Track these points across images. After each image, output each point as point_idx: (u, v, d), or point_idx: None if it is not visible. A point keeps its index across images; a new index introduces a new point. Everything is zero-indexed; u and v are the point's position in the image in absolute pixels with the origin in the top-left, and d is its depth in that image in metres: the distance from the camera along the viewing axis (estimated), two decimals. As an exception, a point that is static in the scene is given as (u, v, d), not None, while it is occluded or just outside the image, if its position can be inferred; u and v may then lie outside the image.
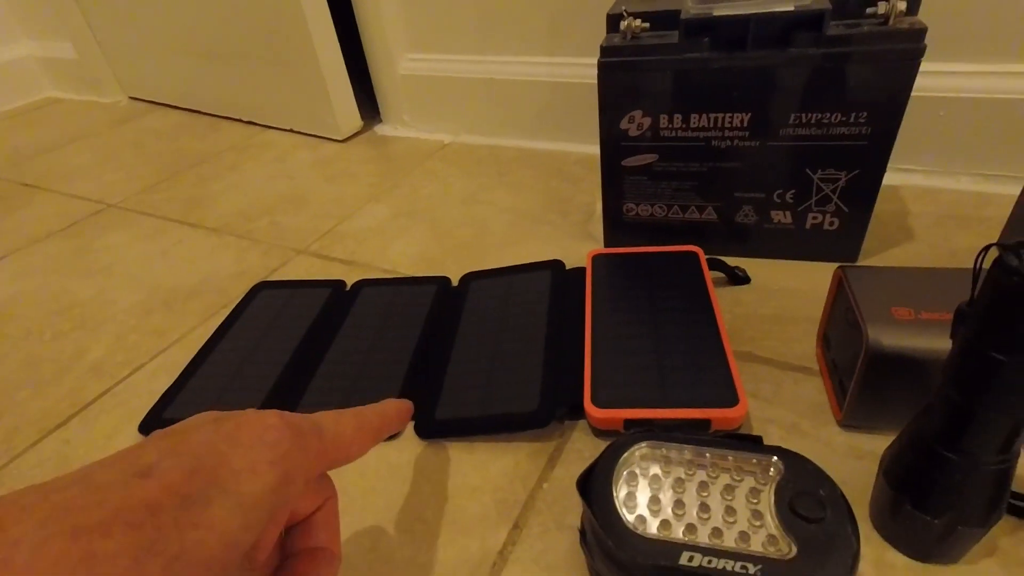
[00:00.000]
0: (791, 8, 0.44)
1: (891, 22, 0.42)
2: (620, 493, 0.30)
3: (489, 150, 0.87)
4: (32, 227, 0.81)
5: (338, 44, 0.89)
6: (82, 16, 1.19)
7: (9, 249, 0.76)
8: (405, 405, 0.32)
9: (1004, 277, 0.23)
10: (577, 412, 0.42)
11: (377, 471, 0.41)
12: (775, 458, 0.31)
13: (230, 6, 0.92)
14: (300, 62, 0.90)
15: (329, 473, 0.27)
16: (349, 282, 0.60)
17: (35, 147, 1.09)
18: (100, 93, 1.29)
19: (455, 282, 0.58)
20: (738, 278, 0.54)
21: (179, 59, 1.09)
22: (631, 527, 0.29)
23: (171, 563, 0.17)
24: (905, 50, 0.42)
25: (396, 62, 0.91)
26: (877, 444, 0.39)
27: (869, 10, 0.43)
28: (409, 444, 0.43)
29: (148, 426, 0.47)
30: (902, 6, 0.42)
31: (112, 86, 1.28)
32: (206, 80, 1.08)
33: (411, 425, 0.44)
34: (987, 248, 0.26)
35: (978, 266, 0.26)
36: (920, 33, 0.42)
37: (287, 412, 0.23)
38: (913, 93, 0.44)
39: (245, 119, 1.08)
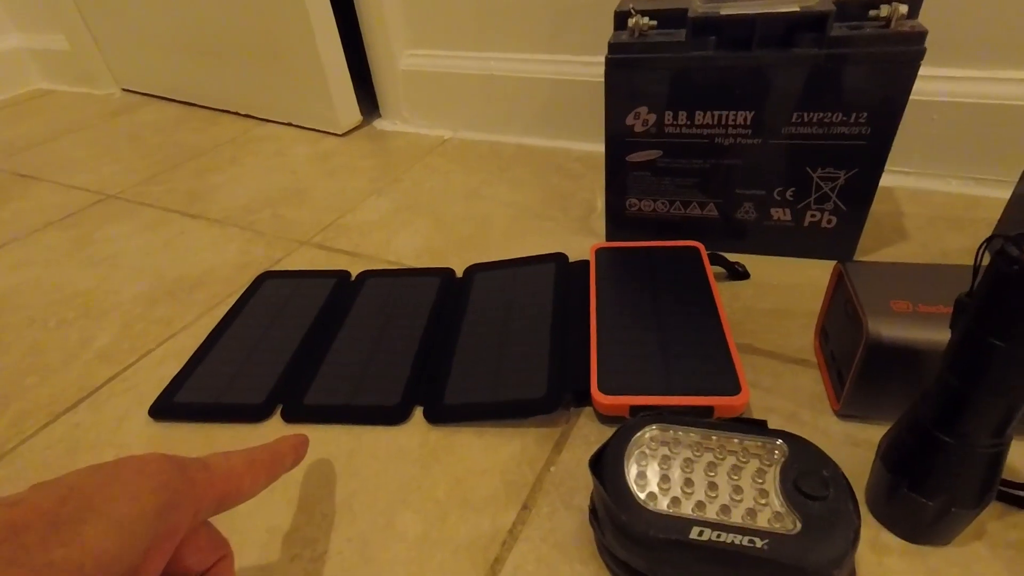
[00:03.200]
0: (796, 9, 0.45)
1: (893, 25, 0.44)
2: (631, 472, 0.31)
3: (489, 146, 0.87)
4: (30, 217, 0.80)
5: (339, 38, 0.90)
6: (76, 8, 1.18)
7: (8, 239, 0.76)
8: (299, 439, 0.33)
9: (1005, 266, 0.25)
10: (583, 399, 0.43)
11: (388, 453, 0.42)
12: (780, 441, 0.32)
13: (232, 1, 0.92)
14: (301, 56, 0.90)
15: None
16: (354, 273, 0.61)
17: (28, 139, 1.08)
18: (93, 85, 1.28)
19: (459, 274, 0.59)
20: (738, 273, 0.55)
21: (175, 52, 1.09)
22: (643, 503, 0.30)
23: (33, 574, 0.18)
24: (906, 52, 0.44)
25: (396, 58, 0.91)
26: (872, 433, 0.40)
27: (871, 12, 0.45)
28: (419, 428, 0.44)
29: (159, 410, 0.47)
30: (904, 9, 0.43)
31: (105, 78, 1.27)
32: (203, 73, 1.08)
33: (420, 410, 0.45)
34: (989, 240, 0.27)
35: (979, 259, 0.27)
36: (921, 36, 0.43)
37: (171, 454, 0.25)
38: (911, 96, 0.46)
39: (242, 112, 1.08)
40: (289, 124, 1.02)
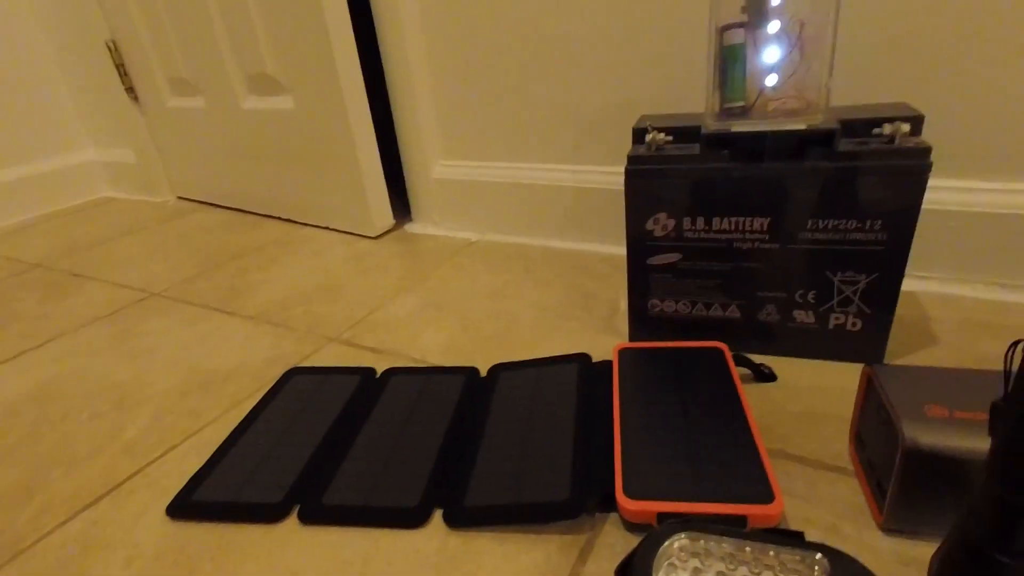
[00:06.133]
0: (803, 127, 0.48)
1: (897, 141, 0.46)
2: (660, 586, 0.29)
3: (515, 248, 0.91)
4: (79, 313, 0.85)
5: (377, 151, 0.98)
6: (146, 126, 1.32)
7: (55, 333, 0.80)
8: None
9: (1034, 369, 0.24)
10: (608, 504, 0.42)
11: (405, 559, 0.40)
12: (819, 555, 0.30)
13: (286, 120, 1.02)
14: (342, 166, 0.97)
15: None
16: (379, 370, 0.62)
17: (89, 240, 1.16)
18: (151, 193, 1.39)
19: (484, 373, 0.59)
20: (764, 375, 0.54)
21: (229, 163, 1.19)
22: (673, 623, 0.28)
23: None
24: (913, 166, 0.46)
25: (430, 167, 0.98)
26: (922, 550, 0.37)
27: (875, 131, 0.48)
28: (438, 532, 0.42)
29: (177, 508, 0.47)
30: (906, 128, 0.46)
31: (163, 187, 1.38)
32: (251, 181, 1.17)
33: (439, 513, 0.43)
34: (1015, 344, 0.27)
35: (1008, 363, 0.27)
36: (926, 151, 0.45)
37: None
38: (925, 205, 0.47)
39: (284, 217, 1.16)
40: (327, 228, 1.08)
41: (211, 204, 1.30)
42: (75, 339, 0.77)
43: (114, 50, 1.24)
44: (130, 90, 1.28)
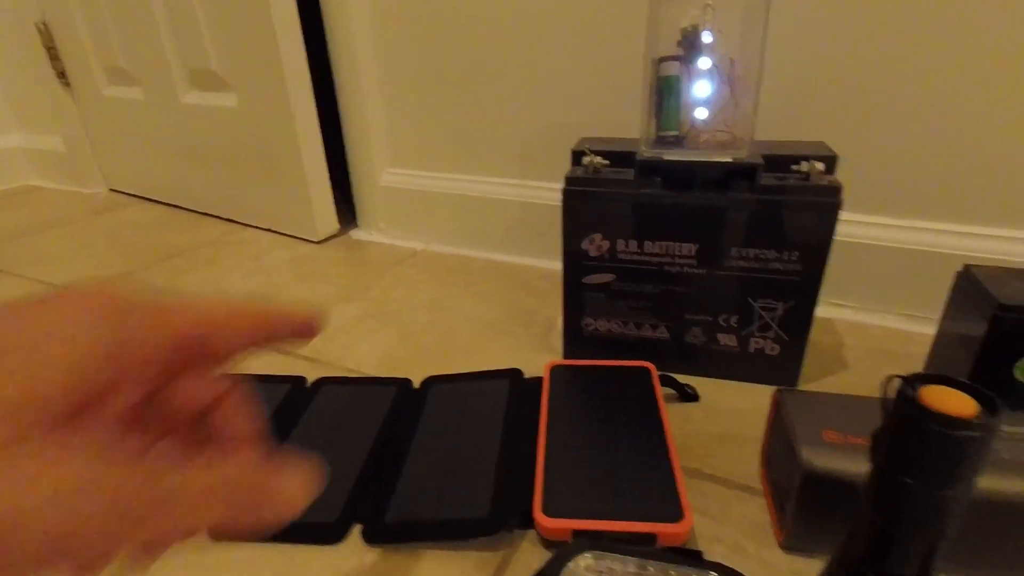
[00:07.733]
0: (729, 160, 0.50)
1: (812, 179, 0.49)
2: (563, 605, 0.30)
3: (458, 260, 0.91)
4: (-10, 307, 0.80)
5: (324, 155, 0.96)
6: (78, 114, 1.26)
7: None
8: (311, 315, 0.27)
9: (902, 406, 0.27)
10: (527, 521, 0.42)
11: (319, 578, 0.40)
12: (713, 574, 0.31)
13: (228, 118, 0.99)
14: (286, 168, 0.95)
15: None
16: (311, 379, 0.60)
17: (8, 231, 1.09)
18: (81, 183, 1.32)
19: (417, 385, 0.59)
20: (688, 395, 0.56)
21: (166, 157, 1.15)
22: (572, 642, 0.28)
23: None
24: (824, 202, 0.49)
25: (377, 175, 0.97)
26: (817, 568, 0.39)
27: (793, 167, 0.51)
28: (355, 550, 0.42)
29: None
30: (820, 167, 0.49)
31: (95, 177, 1.31)
32: (190, 178, 1.13)
33: (358, 529, 0.43)
34: (890, 378, 0.29)
35: (884, 395, 0.29)
36: (836, 189, 0.49)
37: (113, 289, 0.22)
38: (840, 238, 0.50)
39: (224, 217, 1.12)
40: (269, 230, 1.05)
41: (146, 199, 1.25)
42: (-17, 337, 0.72)
43: (44, 32, 1.18)
44: (61, 75, 1.22)
